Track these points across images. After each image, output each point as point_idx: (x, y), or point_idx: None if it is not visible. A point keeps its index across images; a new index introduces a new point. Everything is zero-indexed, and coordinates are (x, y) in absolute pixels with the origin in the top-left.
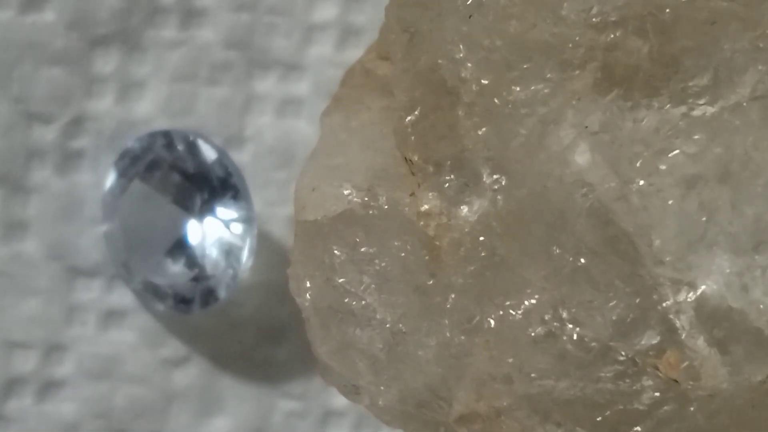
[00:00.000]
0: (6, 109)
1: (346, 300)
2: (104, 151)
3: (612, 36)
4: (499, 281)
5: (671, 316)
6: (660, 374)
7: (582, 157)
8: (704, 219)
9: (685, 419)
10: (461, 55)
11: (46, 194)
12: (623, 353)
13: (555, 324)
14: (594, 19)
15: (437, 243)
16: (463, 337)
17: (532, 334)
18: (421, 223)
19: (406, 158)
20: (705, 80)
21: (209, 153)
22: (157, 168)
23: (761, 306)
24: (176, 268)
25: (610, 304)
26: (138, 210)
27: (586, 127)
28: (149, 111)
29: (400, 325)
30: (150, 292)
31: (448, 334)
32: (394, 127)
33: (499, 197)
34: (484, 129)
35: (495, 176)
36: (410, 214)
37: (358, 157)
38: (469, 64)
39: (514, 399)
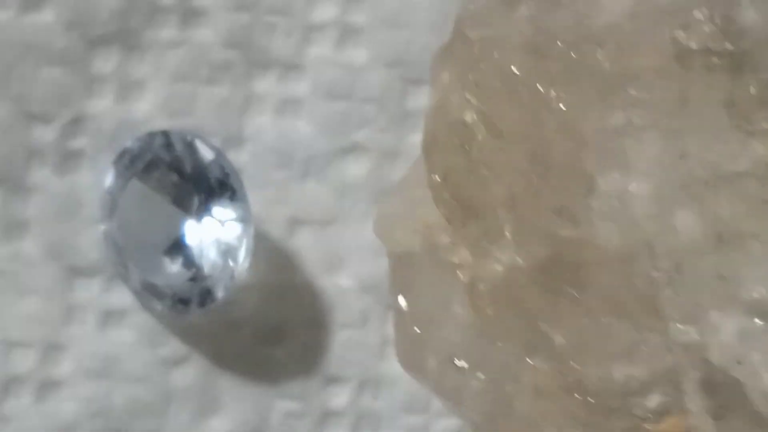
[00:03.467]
0: (5, 109)
1: (417, 324)
2: (104, 151)
3: None
4: (526, 332)
5: (679, 379)
6: None
7: (597, 213)
8: (727, 278)
9: None
10: (474, 114)
11: (46, 194)
12: (630, 412)
13: (574, 377)
14: None
15: (473, 291)
16: (503, 383)
17: (558, 384)
18: (458, 272)
19: (442, 212)
20: None
21: (206, 153)
22: (156, 168)
23: (757, 377)
24: (174, 268)
25: (627, 362)
26: (136, 210)
27: (598, 182)
28: (149, 111)
29: (455, 359)
30: (148, 292)
31: (488, 377)
32: (428, 183)
33: (521, 255)
34: (503, 189)
35: (516, 234)
36: (451, 261)
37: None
38: (482, 126)
39: None
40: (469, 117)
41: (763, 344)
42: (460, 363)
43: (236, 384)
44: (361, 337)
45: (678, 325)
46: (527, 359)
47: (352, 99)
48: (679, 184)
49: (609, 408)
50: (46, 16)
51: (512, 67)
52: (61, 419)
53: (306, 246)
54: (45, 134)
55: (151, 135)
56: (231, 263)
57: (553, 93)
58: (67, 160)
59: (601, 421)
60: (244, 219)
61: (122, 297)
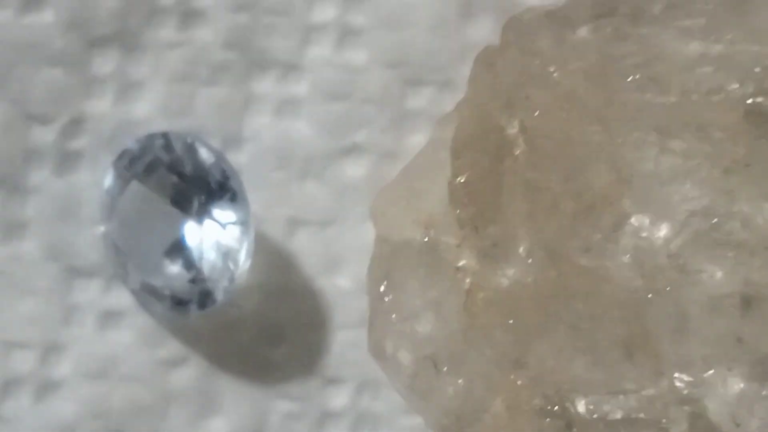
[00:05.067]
0: (5, 109)
1: (397, 314)
2: (103, 152)
3: None
4: (517, 349)
5: (667, 424)
6: None
7: (622, 249)
8: (735, 339)
9: None
10: (515, 126)
11: (45, 195)
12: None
13: (557, 405)
14: None
15: (471, 297)
16: (479, 392)
17: (534, 406)
18: (459, 275)
19: (453, 211)
20: None
21: (207, 155)
22: (155, 169)
23: None
24: (174, 270)
25: (616, 399)
26: (136, 211)
27: (631, 220)
28: (148, 111)
29: (436, 360)
30: (148, 293)
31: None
32: (448, 181)
33: (531, 273)
34: (527, 205)
35: (531, 251)
36: (453, 263)
37: (438, 187)
38: (522, 139)
39: None
40: (511, 127)
41: (761, 409)
42: (442, 365)
43: (235, 385)
44: (360, 337)
45: (676, 374)
46: (510, 374)
47: (351, 99)
48: (716, 239)
49: None
50: (46, 16)
51: (575, 90)
52: (60, 420)
53: (305, 247)
54: (44, 135)
55: (151, 136)
56: (231, 265)
57: (608, 126)
58: (67, 160)
59: None
60: (245, 221)
61: (121, 298)
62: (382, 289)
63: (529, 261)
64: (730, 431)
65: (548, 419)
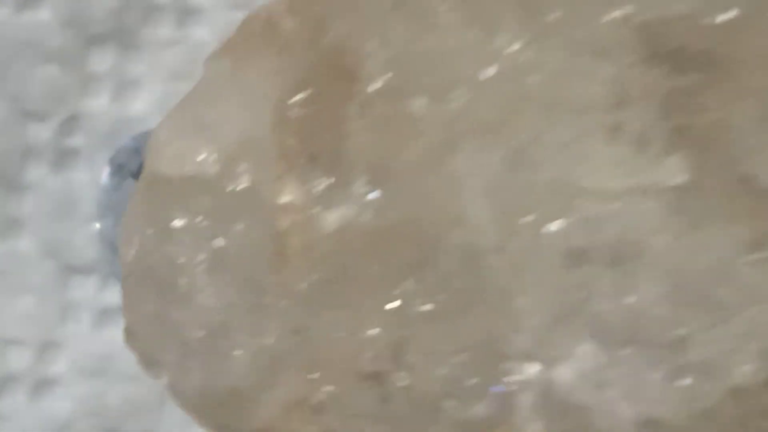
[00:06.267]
0: (1, 107)
1: (172, 271)
2: (99, 150)
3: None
4: (341, 301)
5: (514, 391)
6: None
7: (471, 194)
8: (581, 298)
9: None
10: (373, 47)
11: (41, 192)
12: (453, 417)
13: (388, 364)
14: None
15: (288, 240)
16: (285, 350)
17: (361, 368)
18: (276, 214)
19: (280, 139)
20: None
21: None
22: None
23: (611, 409)
24: None
25: (453, 360)
26: None
27: (486, 164)
28: (145, 109)
29: (223, 316)
30: None
31: (271, 341)
32: (275, 103)
33: (367, 212)
34: (373, 133)
35: (369, 188)
36: (268, 200)
37: (232, 118)
38: (378, 59)
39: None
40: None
41: (615, 374)
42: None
43: None
44: None
45: (522, 334)
46: (322, 328)
47: None
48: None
49: (423, 409)
50: (43, 14)
51: None
52: (55, 418)
53: None
54: (41, 132)
55: (147, 134)
56: None
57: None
58: (63, 158)
59: (408, 422)
60: None
61: (117, 296)
62: (158, 241)
63: (367, 199)
64: (586, 399)
65: (369, 383)
